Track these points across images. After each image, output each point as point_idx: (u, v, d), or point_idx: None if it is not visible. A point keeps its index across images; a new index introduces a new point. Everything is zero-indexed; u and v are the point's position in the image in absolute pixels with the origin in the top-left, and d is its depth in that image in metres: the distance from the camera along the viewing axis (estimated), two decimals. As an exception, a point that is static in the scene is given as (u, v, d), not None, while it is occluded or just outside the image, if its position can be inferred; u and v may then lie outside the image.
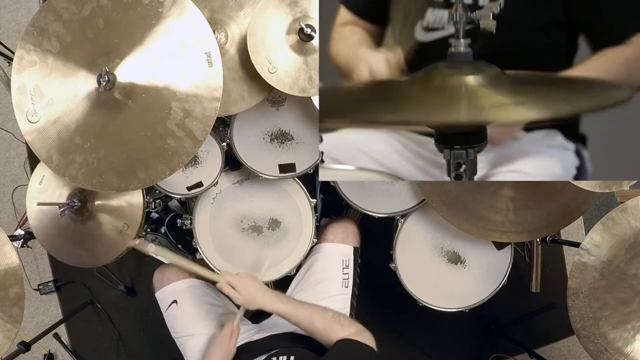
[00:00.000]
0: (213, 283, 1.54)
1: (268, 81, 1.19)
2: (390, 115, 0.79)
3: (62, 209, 1.30)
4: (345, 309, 1.39)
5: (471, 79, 0.82)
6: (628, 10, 0.97)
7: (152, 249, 1.26)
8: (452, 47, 0.86)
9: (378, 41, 1.17)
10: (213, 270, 1.49)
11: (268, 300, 1.18)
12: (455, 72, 0.83)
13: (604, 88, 0.85)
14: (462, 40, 0.86)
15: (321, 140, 1.11)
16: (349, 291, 1.42)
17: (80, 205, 1.29)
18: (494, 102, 0.78)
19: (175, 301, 1.42)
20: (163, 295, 1.45)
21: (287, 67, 1.20)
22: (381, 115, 0.79)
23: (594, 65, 1.00)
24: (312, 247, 1.49)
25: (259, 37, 1.19)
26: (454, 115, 0.77)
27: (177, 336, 1.40)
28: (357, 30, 1.15)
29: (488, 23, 0.85)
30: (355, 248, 1.48)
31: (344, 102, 0.86)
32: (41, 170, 1.33)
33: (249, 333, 1.35)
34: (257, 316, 1.50)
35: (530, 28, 1.02)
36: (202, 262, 1.50)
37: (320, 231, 1.53)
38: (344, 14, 1.17)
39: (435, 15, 1.05)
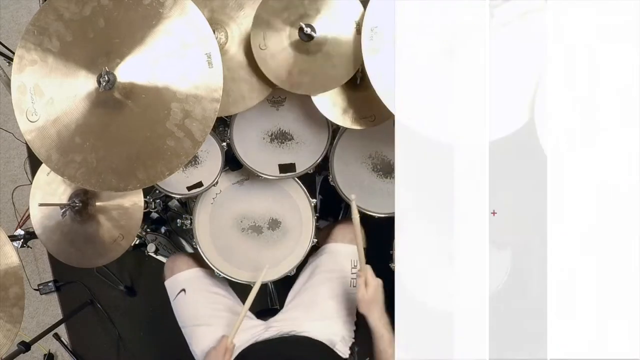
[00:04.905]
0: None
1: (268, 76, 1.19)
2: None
3: (63, 210, 1.30)
4: (353, 309, 1.39)
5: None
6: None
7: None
8: None
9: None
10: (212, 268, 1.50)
11: (378, 315, 1.22)
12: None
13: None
14: None
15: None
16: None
17: (82, 205, 1.29)
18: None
19: (183, 290, 1.43)
20: (172, 283, 1.46)
21: (287, 67, 1.20)
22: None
23: None
24: (313, 247, 1.49)
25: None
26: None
27: (184, 325, 1.40)
28: None
29: None
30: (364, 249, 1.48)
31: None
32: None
33: (257, 330, 1.35)
34: (262, 313, 1.50)
35: None
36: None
37: (327, 232, 1.53)
38: None
39: None
